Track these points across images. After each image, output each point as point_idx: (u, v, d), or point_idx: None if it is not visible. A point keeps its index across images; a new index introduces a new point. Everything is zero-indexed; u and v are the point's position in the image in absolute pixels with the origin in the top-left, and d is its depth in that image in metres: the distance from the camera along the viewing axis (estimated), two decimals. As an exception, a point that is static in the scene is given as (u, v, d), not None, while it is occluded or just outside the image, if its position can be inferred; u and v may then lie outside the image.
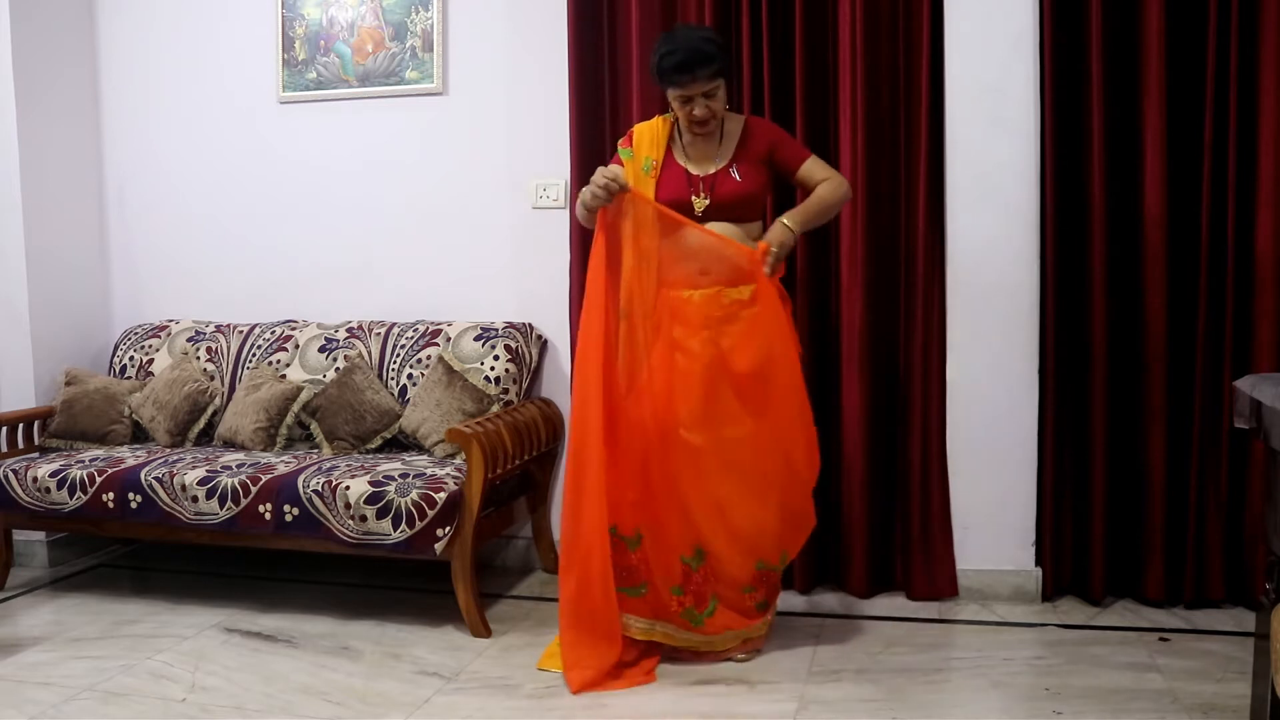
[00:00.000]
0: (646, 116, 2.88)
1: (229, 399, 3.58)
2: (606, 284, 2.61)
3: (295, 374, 3.54)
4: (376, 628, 3.00)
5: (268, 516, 2.94)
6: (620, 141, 2.78)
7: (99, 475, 3.11)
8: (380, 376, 3.46)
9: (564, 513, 2.64)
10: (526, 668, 2.68)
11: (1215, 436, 2.93)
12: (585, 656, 2.56)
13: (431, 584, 3.24)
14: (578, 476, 2.58)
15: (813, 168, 2.70)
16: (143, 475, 3.08)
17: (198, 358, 3.68)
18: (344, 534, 2.89)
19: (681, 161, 2.71)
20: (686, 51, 2.54)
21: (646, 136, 2.74)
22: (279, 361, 3.58)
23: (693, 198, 2.66)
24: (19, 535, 3.58)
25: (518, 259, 3.55)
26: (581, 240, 3.30)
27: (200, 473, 3.04)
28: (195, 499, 3.00)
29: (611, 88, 3.31)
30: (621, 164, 2.72)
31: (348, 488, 2.87)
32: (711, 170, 2.68)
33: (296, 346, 3.60)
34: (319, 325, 3.66)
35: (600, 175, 2.59)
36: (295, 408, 3.42)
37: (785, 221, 2.60)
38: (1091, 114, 2.94)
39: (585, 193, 2.61)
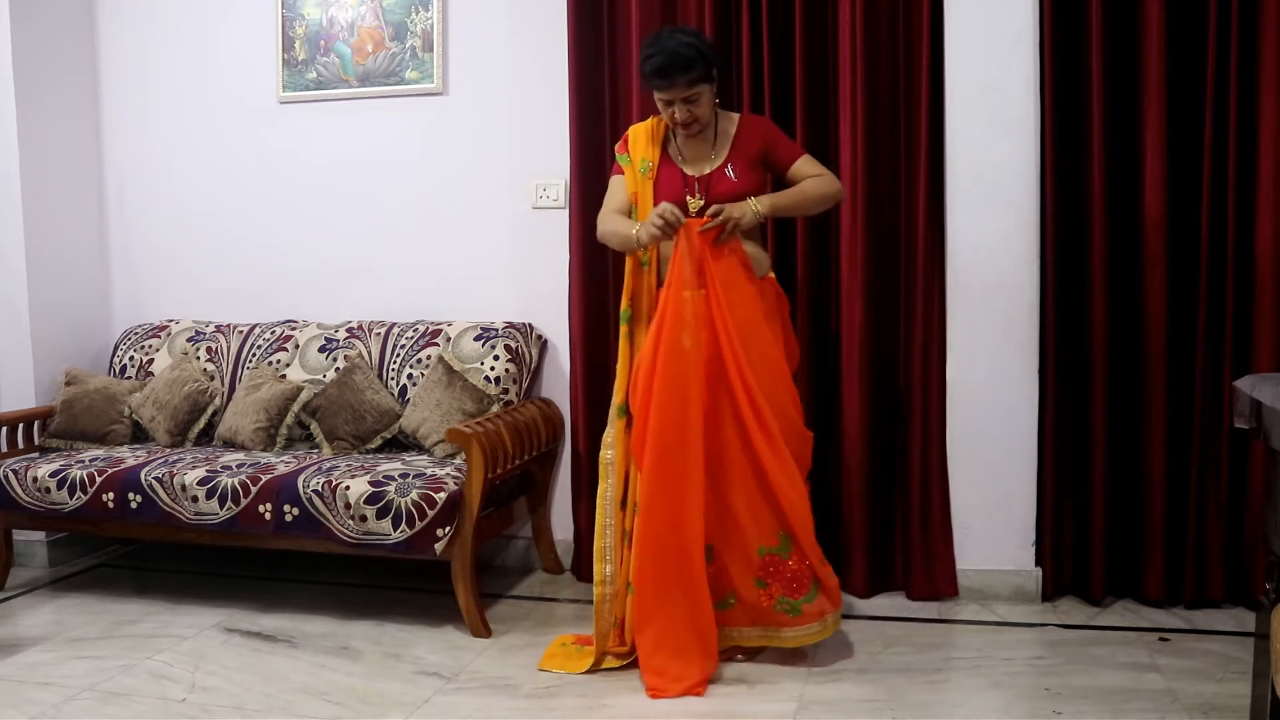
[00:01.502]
0: (646, 116, 2.88)
1: (229, 399, 3.58)
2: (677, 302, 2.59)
3: (295, 374, 3.54)
4: (376, 628, 3.00)
5: (268, 516, 2.94)
6: (617, 147, 2.79)
7: (99, 475, 3.11)
8: (380, 376, 3.46)
9: (656, 527, 2.55)
10: (526, 668, 2.68)
11: (1215, 436, 2.93)
12: (683, 671, 2.52)
13: (431, 584, 3.24)
14: (676, 490, 2.53)
15: (804, 165, 2.71)
16: (143, 475, 3.08)
17: (198, 358, 3.69)
18: (344, 534, 2.89)
19: (677, 162, 2.72)
20: (665, 56, 2.53)
21: (642, 138, 2.75)
22: (279, 361, 3.58)
23: (687, 198, 2.66)
24: (19, 535, 3.58)
25: (518, 259, 3.55)
26: (581, 240, 3.30)
27: (200, 473, 3.04)
28: (195, 499, 3.00)
29: (611, 88, 3.31)
30: (621, 171, 2.75)
31: (348, 488, 2.87)
32: (706, 170, 2.69)
33: (296, 346, 3.60)
34: (319, 325, 3.66)
35: (669, 210, 2.54)
36: (295, 408, 3.42)
37: (752, 201, 2.62)
38: (1091, 114, 2.94)
39: (642, 232, 2.57)
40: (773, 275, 2.79)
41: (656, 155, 2.72)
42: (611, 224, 2.73)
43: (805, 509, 2.61)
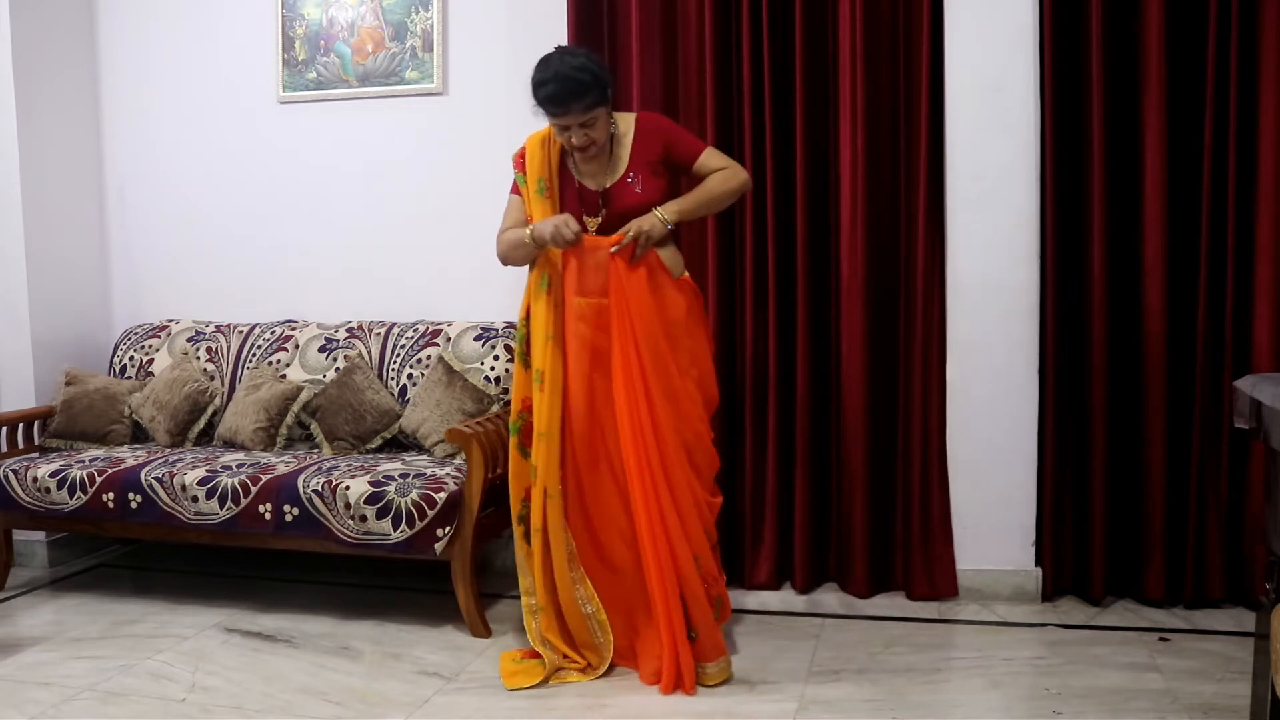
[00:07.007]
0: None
1: (229, 399, 3.58)
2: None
3: (295, 374, 3.54)
4: (376, 628, 3.00)
5: (268, 516, 2.94)
6: (515, 161, 2.69)
7: (99, 475, 3.11)
8: (380, 376, 3.46)
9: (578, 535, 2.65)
10: (526, 668, 2.68)
11: (1215, 436, 2.93)
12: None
13: (431, 584, 3.24)
14: (588, 498, 2.63)
15: (709, 159, 2.62)
16: (143, 475, 3.08)
17: (198, 358, 3.68)
18: (344, 534, 2.89)
19: (576, 176, 2.63)
20: (559, 83, 2.44)
21: (538, 156, 2.63)
22: (279, 361, 3.58)
23: (585, 217, 2.58)
24: (19, 535, 3.57)
25: (518, 259, 3.54)
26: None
27: (200, 473, 3.04)
28: (195, 499, 3.00)
29: (611, 88, 3.30)
30: (518, 191, 2.67)
31: (348, 488, 2.87)
32: (608, 183, 2.60)
33: (296, 346, 3.60)
34: (319, 325, 3.66)
35: (570, 231, 2.49)
36: (295, 408, 3.42)
37: (658, 211, 2.54)
38: (1091, 114, 2.94)
39: (545, 235, 2.52)
40: (687, 274, 2.69)
41: (554, 171, 2.62)
42: (506, 238, 2.65)
43: (678, 578, 2.51)
